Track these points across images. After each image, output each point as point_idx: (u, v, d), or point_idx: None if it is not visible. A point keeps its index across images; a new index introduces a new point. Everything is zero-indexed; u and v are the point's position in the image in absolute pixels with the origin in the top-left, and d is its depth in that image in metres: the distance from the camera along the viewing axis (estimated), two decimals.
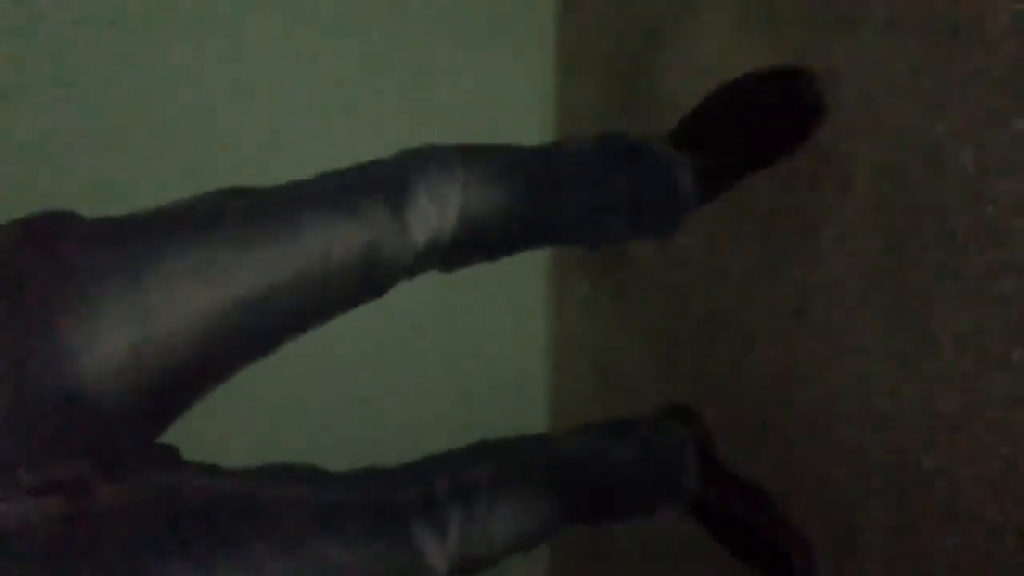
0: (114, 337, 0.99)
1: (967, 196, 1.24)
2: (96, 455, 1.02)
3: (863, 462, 1.43)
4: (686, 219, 1.43)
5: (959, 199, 1.25)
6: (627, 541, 1.90)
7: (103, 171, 1.61)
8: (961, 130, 1.24)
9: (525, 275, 1.98)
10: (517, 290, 1.97)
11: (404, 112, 1.74)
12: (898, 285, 1.34)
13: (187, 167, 1.64)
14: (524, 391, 2.05)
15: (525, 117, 1.87)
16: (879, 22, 1.32)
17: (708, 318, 1.67)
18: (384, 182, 1.18)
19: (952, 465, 1.32)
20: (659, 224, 1.44)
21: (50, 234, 1.04)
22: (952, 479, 1.32)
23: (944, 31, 1.24)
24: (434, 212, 1.19)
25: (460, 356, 1.93)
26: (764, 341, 1.56)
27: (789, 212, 1.48)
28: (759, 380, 1.58)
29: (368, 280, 1.15)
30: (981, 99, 1.21)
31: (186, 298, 1.03)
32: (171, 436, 1.12)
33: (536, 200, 1.30)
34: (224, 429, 1.43)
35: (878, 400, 1.40)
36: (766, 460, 1.58)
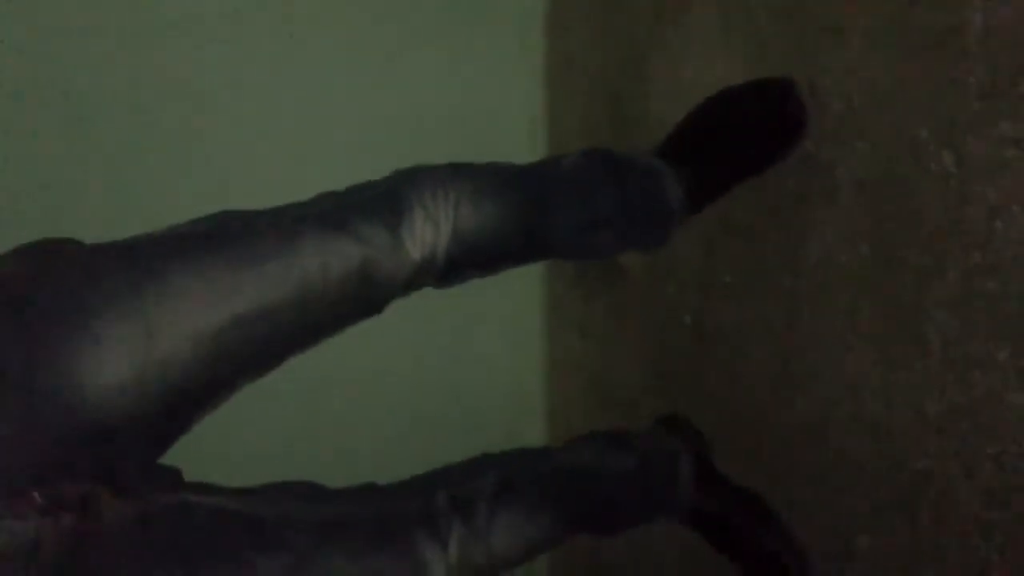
0: (118, 357, 1.01)
1: (950, 200, 1.26)
2: (102, 474, 1.03)
3: (858, 468, 1.44)
4: (674, 231, 1.45)
5: (942, 204, 1.26)
6: (626, 550, 1.90)
7: (99, 175, 1.63)
8: (942, 136, 1.25)
9: (520, 293, 1.98)
10: (512, 308, 1.98)
11: (393, 131, 1.76)
12: (885, 290, 1.36)
13: (176, 170, 1.65)
14: (521, 408, 2.05)
15: (514, 135, 1.89)
16: (860, 33, 1.34)
17: (701, 330, 1.68)
18: (379, 201, 1.20)
19: (943, 467, 1.33)
20: (648, 236, 1.45)
21: (53, 260, 1.05)
22: (943, 481, 1.33)
23: (923, 39, 1.26)
24: (428, 229, 1.21)
25: (456, 374, 1.93)
26: (757, 351, 1.58)
27: (777, 222, 1.50)
28: (753, 390, 1.59)
29: (365, 297, 1.17)
30: (961, 105, 1.23)
31: (188, 318, 1.05)
32: (173, 455, 1.13)
33: (527, 216, 1.32)
34: (222, 449, 1.44)
35: (870, 405, 1.41)
36: (762, 468, 1.59)
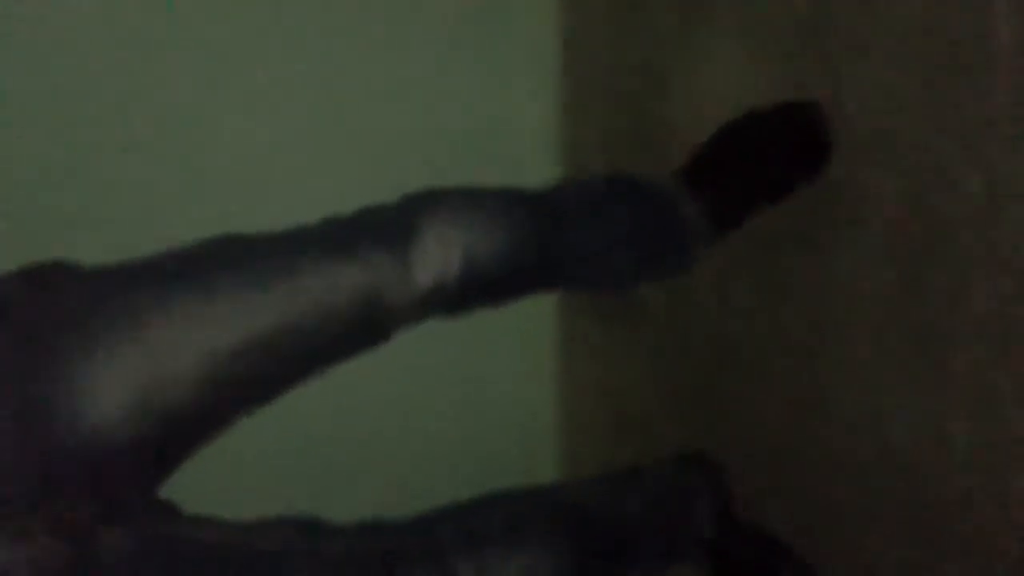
0: (118, 383, 1.00)
1: (979, 224, 1.23)
2: (100, 502, 1.02)
3: (881, 498, 1.42)
4: (696, 258, 1.42)
5: (971, 227, 1.24)
6: None
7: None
8: (971, 157, 1.23)
9: (534, 318, 1.96)
10: (527, 334, 1.96)
11: (404, 147, 1.74)
12: (912, 315, 1.33)
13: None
14: (535, 435, 2.03)
15: (530, 155, 1.87)
16: (885, 48, 1.32)
17: (720, 356, 1.66)
18: (387, 227, 1.18)
19: (970, 499, 1.30)
20: (668, 264, 1.43)
21: (53, 283, 1.05)
22: (970, 514, 1.31)
23: (950, 56, 1.24)
24: (438, 257, 1.18)
25: (470, 401, 1.92)
26: (778, 377, 1.55)
27: (800, 245, 1.48)
28: (774, 417, 1.57)
29: (371, 325, 1.15)
30: (988, 124, 1.21)
31: (189, 344, 1.03)
32: (175, 488, 1.11)
33: (541, 243, 1.29)
34: (225, 480, 1.42)
35: (894, 434, 1.38)
36: (782, 498, 1.56)
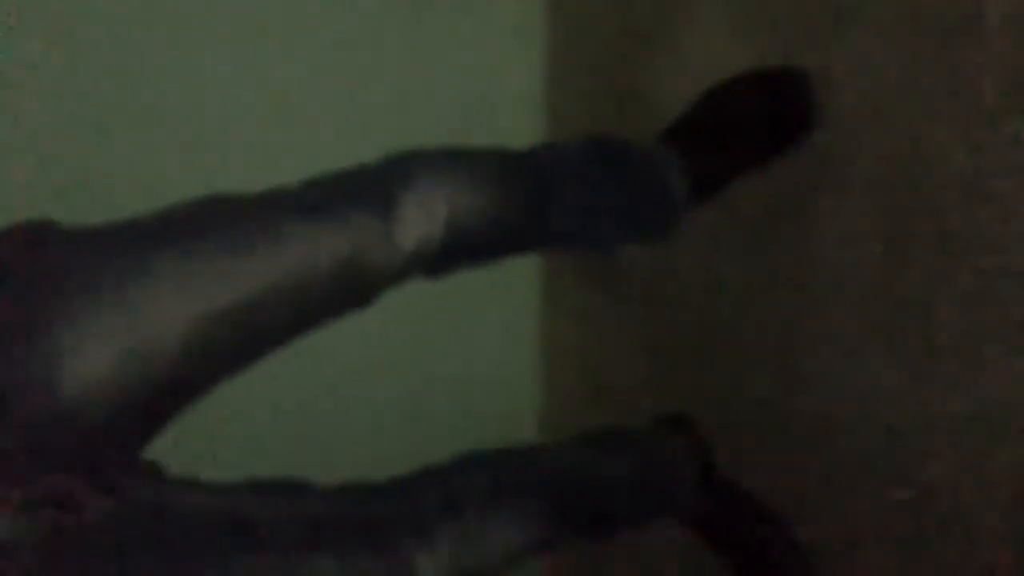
0: (99, 348, 0.98)
1: (963, 198, 1.23)
2: (82, 469, 1.00)
3: (865, 472, 1.42)
4: (678, 223, 1.42)
5: (955, 202, 1.25)
6: (622, 552, 1.89)
7: (93, 162, 1.60)
8: (957, 132, 1.23)
9: (516, 284, 1.96)
10: (508, 299, 1.95)
11: (386, 111, 1.72)
12: (896, 290, 1.33)
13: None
14: (514, 402, 2.03)
15: (514, 118, 1.85)
16: (874, 22, 1.31)
17: (705, 327, 1.65)
18: (369, 188, 1.16)
19: (953, 473, 1.31)
20: (651, 228, 1.42)
21: (31, 245, 1.03)
22: (953, 487, 1.32)
23: (938, 30, 1.24)
24: (421, 218, 1.17)
25: (449, 364, 1.91)
26: (762, 350, 1.55)
27: (786, 218, 1.47)
28: (758, 390, 1.57)
29: (354, 288, 1.14)
30: (976, 100, 1.21)
31: (171, 308, 1.02)
32: (158, 448, 1.11)
33: (525, 204, 1.29)
34: (208, 442, 1.42)
35: (879, 408, 1.39)
36: (765, 471, 1.57)
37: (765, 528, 1.49)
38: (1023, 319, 1.20)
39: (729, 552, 1.51)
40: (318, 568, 1.12)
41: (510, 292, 1.95)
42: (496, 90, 1.84)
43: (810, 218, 1.43)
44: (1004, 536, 1.27)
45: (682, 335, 1.70)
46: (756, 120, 1.41)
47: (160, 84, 1.61)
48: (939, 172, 1.25)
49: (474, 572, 1.26)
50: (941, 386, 1.30)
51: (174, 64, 1.62)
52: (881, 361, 1.37)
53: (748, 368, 1.58)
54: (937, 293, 1.28)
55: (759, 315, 1.54)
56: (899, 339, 1.34)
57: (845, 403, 1.43)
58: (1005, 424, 1.24)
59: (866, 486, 1.42)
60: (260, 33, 1.66)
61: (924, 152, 1.27)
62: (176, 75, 1.63)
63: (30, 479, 0.96)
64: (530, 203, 1.29)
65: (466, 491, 1.28)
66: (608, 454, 1.44)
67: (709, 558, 1.52)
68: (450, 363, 1.92)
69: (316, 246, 1.09)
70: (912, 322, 1.32)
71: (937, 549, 1.35)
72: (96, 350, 0.98)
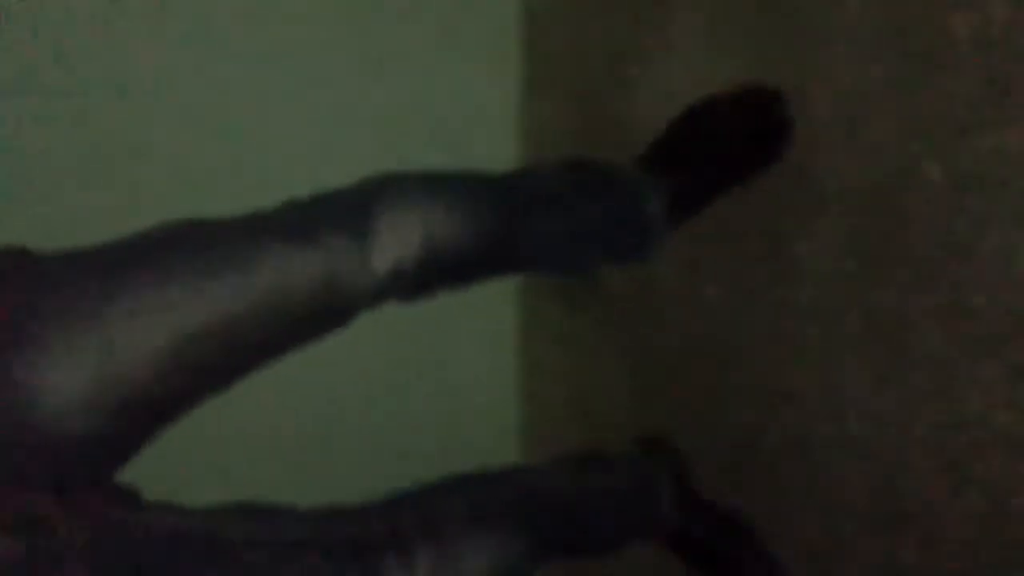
0: (75, 372, 0.98)
1: (938, 212, 1.24)
2: (56, 491, 1.00)
3: (841, 488, 1.42)
4: (656, 245, 1.42)
5: (930, 215, 1.25)
6: (602, 571, 1.88)
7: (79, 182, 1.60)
8: (932, 147, 1.24)
9: (496, 304, 1.96)
10: (488, 319, 1.95)
11: (363, 131, 1.72)
12: (872, 303, 1.34)
13: (148, 166, 1.62)
14: (495, 422, 2.03)
15: (490, 140, 1.85)
16: (848, 39, 1.32)
17: (683, 344, 1.65)
18: (345, 211, 1.16)
19: (927, 486, 1.31)
20: (629, 250, 1.43)
21: (7, 268, 1.02)
22: (928, 501, 1.32)
23: (912, 45, 1.24)
24: (396, 242, 1.17)
25: (429, 386, 1.90)
26: (740, 366, 1.55)
27: (763, 234, 1.48)
28: (736, 406, 1.57)
29: (329, 311, 1.14)
30: (950, 115, 1.21)
31: (147, 331, 1.01)
32: (135, 471, 1.10)
33: (501, 228, 1.28)
34: (184, 466, 1.41)
35: (856, 422, 1.39)
36: (745, 485, 1.57)
37: (743, 548, 1.49)
38: (997, 331, 1.20)
39: (706, 569, 1.51)
40: None
41: (490, 313, 1.95)
42: (471, 112, 1.84)
43: (786, 235, 1.43)
44: (979, 547, 1.27)
45: (662, 354, 1.69)
46: (733, 139, 1.42)
47: (140, 112, 1.61)
48: (915, 187, 1.26)
49: None
50: (916, 399, 1.30)
51: (157, 88, 1.62)
52: (857, 376, 1.37)
53: (727, 387, 1.58)
54: (913, 307, 1.28)
55: (738, 334, 1.55)
56: (875, 353, 1.34)
57: (822, 419, 1.43)
58: (980, 435, 1.24)
59: (845, 502, 1.42)
60: (236, 54, 1.66)
61: (899, 167, 1.27)
62: (161, 101, 1.63)
63: (3, 503, 0.96)
64: (506, 227, 1.29)
65: (446, 513, 1.28)
66: (587, 476, 1.44)
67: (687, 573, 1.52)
68: (431, 384, 1.91)
69: (292, 268, 1.09)
70: (889, 336, 1.32)
71: (913, 563, 1.35)
72: (73, 371, 0.97)
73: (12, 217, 1.47)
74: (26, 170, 1.56)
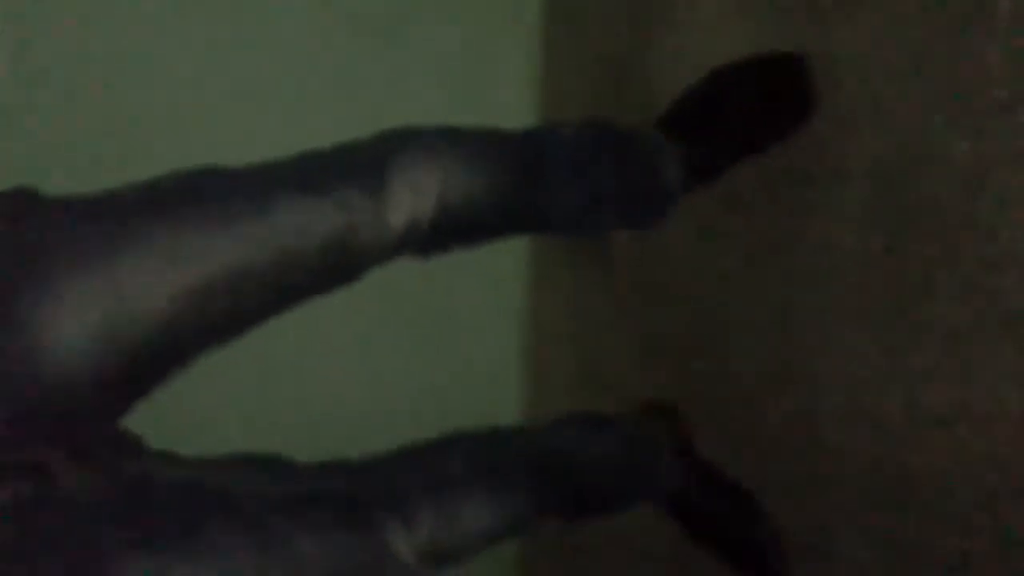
0: (83, 316, 0.97)
1: (964, 188, 1.23)
2: (59, 439, 1.00)
3: (847, 461, 1.42)
4: (673, 209, 1.41)
5: (955, 193, 1.24)
6: (599, 533, 1.89)
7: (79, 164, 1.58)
8: (959, 121, 1.22)
9: (505, 265, 1.96)
10: (497, 280, 1.95)
11: (381, 89, 1.71)
12: (890, 278, 1.33)
13: (157, 158, 1.61)
14: (501, 382, 2.03)
15: (510, 102, 1.85)
16: (877, 6, 1.30)
17: (693, 312, 1.65)
18: (362, 165, 1.16)
19: (938, 465, 1.31)
20: (644, 214, 1.42)
21: (18, 211, 1.02)
22: (937, 480, 1.31)
23: (945, 18, 1.23)
24: (412, 197, 1.17)
25: (436, 345, 1.91)
26: (750, 336, 1.55)
27: (779, 203, 1.47)
28: (744, 376, 1.57)
29: (342, 264, 1.14)
30: (980, 89, 1.20)
31: (158, 277, 1.01)
32: (140, 426, 1.10)
33: (518, 187, 1.28)
34: (190, 421, 1.40)
35: (865, 397, 1.38)
36: (749, 457, 1.57)
37: (744, 516, 1.50)
38: (1017, 313, 1.20)
39: (706, 536, 1.52)
40: (296, 543, 1.11)
41: (498, 278, 1.95)
42: (493, 71, 1.83)
43: (803, 205, 1.42)
44: (983, 527, 1.27)
45: (671, 322, 1.69)
46: (754, 107, 1.41)
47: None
48: (940, 163, 1.25)
49: (452, 551, 1.26)
50: (928, 375, 1.30)
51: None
52: (869, 350, 1.37)
53: (737, 356, 1.58)
54: (932, 284, 1.28)
55: (749, 303, 1.54)
56: (888, 328, 1.34)
57: (832, 393, 1.43)
58: (991, 416, 1.24)
59: (849, 476, 1.42)
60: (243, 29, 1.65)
61: (925, 141, 1.26)
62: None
63: (6, 448, 0.96)
64: (522, 185, 1.29)
65: (446, 471, 1.29)
66: (589, 437, 1.45)
67: (684, 542, 1.53)
68: (438, 349, 1.91)
69: (306, 221, 1.09)
70: (903, 311, 1.32)
71: (917, 539, 1.35)
72: (81, 315, 0.97)
73: None
74: (26, 168, 1.56)
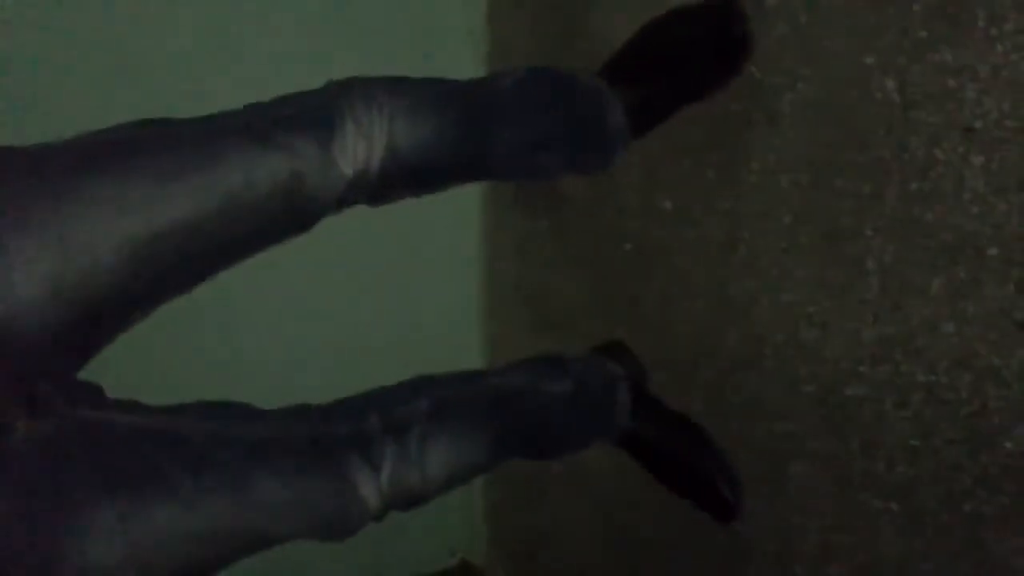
0: (33, 269, 0.96)
1: (891, 128, 1.25)
2: (16, 391, 1.00)
3: (792, 394, 1.45)
4: (618, 155, 1.43)
5: (884, 131, 1.26)
6: (561, 471, 1.91)
7: None
8: (887, 61, 1.24)
9: (459, 213, 1.96)
10: (449, 228, 1.95)
11: (326, 37, 1.70)
12: (826, 216, 1.35)
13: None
14: (458, 328, 2.04)
15: (455, 51, 1.85)
16: None
17: (642, 254, 1.67)
18: (310, 114, 1.15)
19: (875, 394, 1.34)
20: (591, 159, 1.43)
21: None
22: (876, 408, 1.34)
23: None
24: (361, 145, 1.16)
25: (393, 294, 1.91)
26: (696, 276, 1.57)
27: (719, 145, 1.48)
28: (692, 314, 1.59)
29: (292, 213, 1.13)
30: (906, 32, 1.21)
31: (106, 229, 1.00)
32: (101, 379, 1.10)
33: (466, 134, 1.28)
34: (151, 369, 1.41)
35: (806, 332, 1.41)
36: (698, 392, 1.60)
37: (697, 449, 1.52)
38: (945, 246, 1.22)
39: (662, 471, 1.54)
40: (261, 487, 1.12)
41: (453, 221, 1.95)
42: (440, 23, 1.83)
43: (741, 146, 1.44)
44: (921, 452, 1.30)
45: (619, 263, 1.71)
46: (694, 54, 1.42)
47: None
48: (869, 102, 1.26)
49: (416, 491, 1.27)
50: (866, 309, 1.32)
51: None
52: (809, 286, 1.39)
53: (682, 294, 1.60)
54: (864, 220, 1.30)
55: (693, 243, 1.56)
56: (826, 265, 1.36)
57: (774, 327, 1.46)
58: (925, 347, 1.27)
59: (793, 408, 1.45)
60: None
61: (855, 82, 1.28)
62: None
63: None
64: (470, 132, 1.29)
65: (409, 412, 1.29)
66: (546, 377, 1.46)
67: (644, 477, 1.55)
68: (394, 296, 1.92)
69: (255, 170, 1.08)
70: (839, 248, 1.34)
71: (860, 466, 1.38)
72: (30, 268, 0.96)
73: None
74: None
